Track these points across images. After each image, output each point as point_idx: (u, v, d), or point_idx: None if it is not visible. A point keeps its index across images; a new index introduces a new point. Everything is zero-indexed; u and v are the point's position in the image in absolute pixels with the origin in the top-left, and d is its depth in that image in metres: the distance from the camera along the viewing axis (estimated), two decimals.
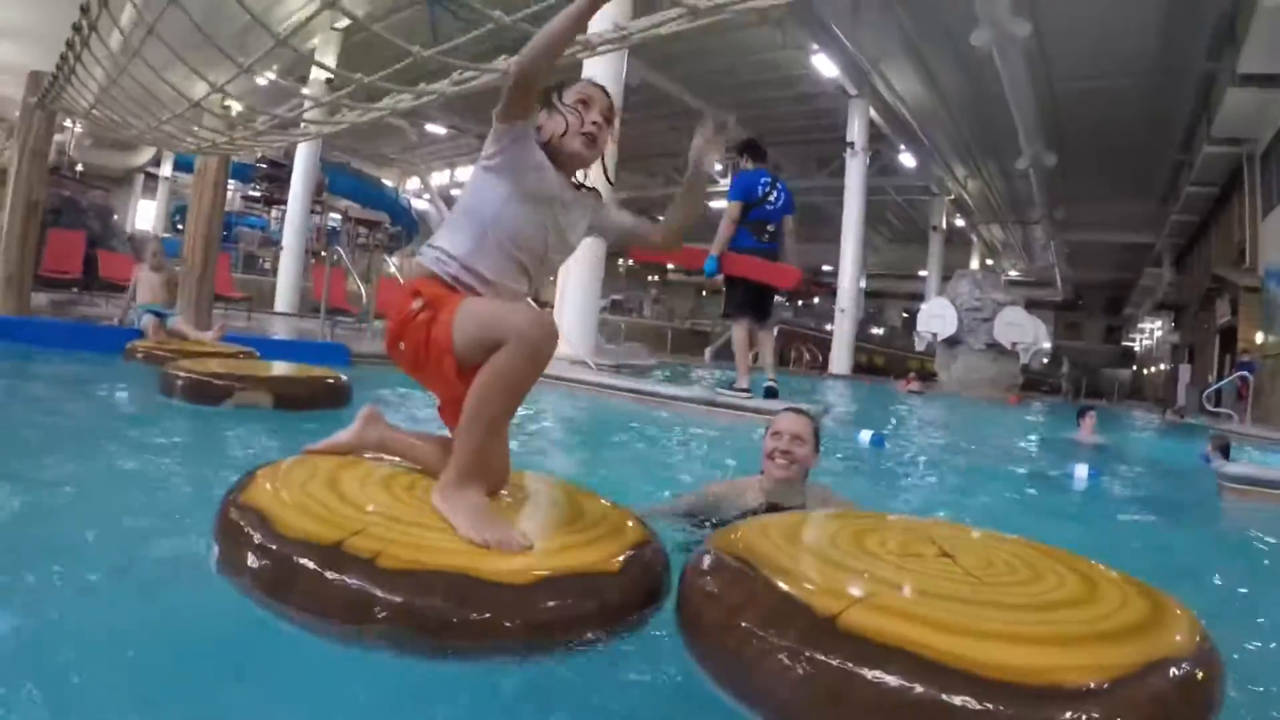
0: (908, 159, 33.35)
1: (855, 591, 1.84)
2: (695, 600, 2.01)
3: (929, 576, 2.03)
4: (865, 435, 7.82)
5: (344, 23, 22.15)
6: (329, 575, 1.88)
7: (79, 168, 35.97)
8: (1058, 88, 24.59)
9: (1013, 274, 48.88)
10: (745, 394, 8.81)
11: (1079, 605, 1.93)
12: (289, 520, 2.06)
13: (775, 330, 10.31)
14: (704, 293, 52.19)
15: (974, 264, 44.60)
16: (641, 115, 33.16)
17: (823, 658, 1.63)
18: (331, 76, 23.34)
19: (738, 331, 9.50)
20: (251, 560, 2.00)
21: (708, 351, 31.88)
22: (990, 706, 1.49)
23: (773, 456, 3.64)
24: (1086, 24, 20.57)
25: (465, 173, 48.40)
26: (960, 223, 41.96)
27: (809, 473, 3.76)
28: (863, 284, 50.33)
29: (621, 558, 2.18)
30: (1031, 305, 47.15)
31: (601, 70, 13.89)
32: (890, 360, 32.90)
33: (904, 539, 2.35)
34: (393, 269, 36.82)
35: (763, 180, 9.19)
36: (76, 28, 6.67)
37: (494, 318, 2.30)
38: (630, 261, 54.96)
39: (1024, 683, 1.54)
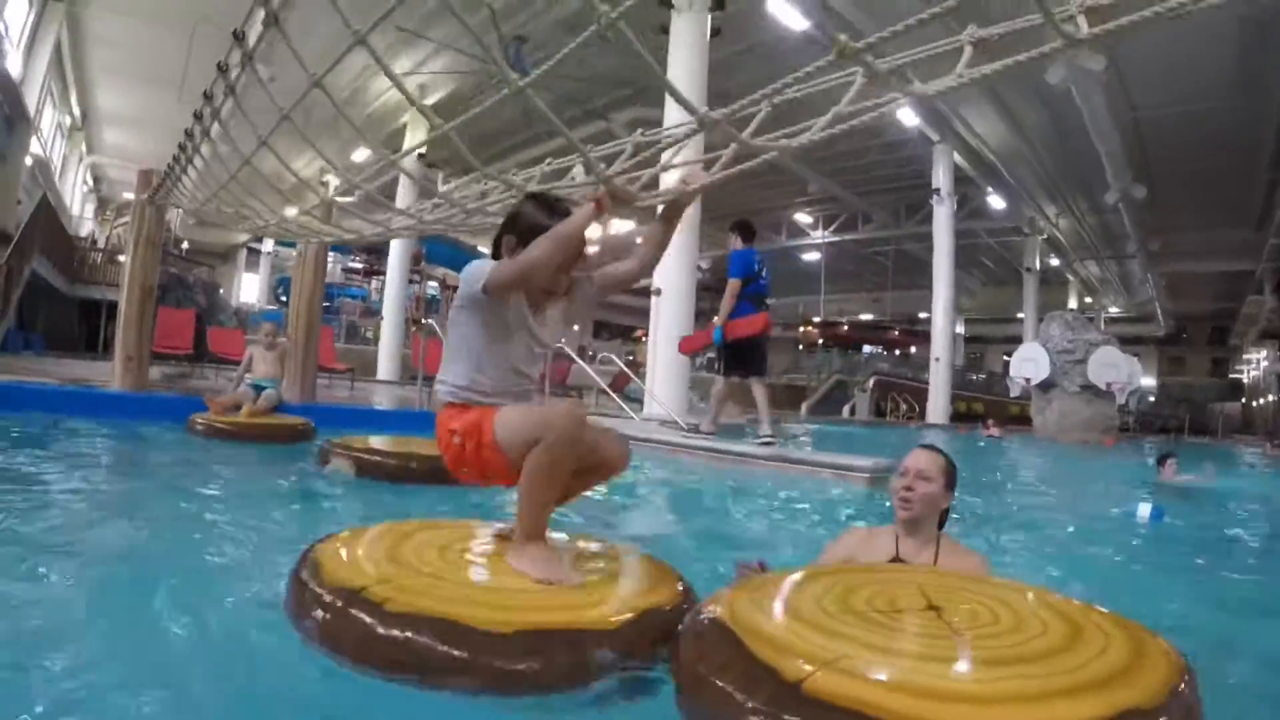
0: (997, 201, 33.15)
1: (824, 655, 1.92)
2: (683, 659, 2.17)
3: (907, 634, 2.14)
4: (1144, 509, 7.53)
5: (435, 99, 22.98)
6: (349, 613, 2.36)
7: (184, 245, 37.70)
8: (1140, 117, 24.35)
9: (1112, 310, 47.85)
10: (771, 439, 9.72)
11: (1056, 655, 1.99)
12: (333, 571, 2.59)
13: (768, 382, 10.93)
14: (800, 346, 51.88)
15: (1072, 303, 43.89)
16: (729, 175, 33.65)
17: None
18: (424, 152, 24.48)
19: (757, 388, 10.61)
20: (298, 602, 2.55)
21: (804, 406, 31.97)
22: None
23: (898, 495, 3.44)
24: (1162, 51, 20.34)
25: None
26: (1055, 261, 41.30)
27: (945, 514, 3.53)
28: (961, 330, 49.85)
29: (623, 617, 2.43)
30: (1133, 341, 46.51)
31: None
32: (989, 407, 32.48)
33: (893, 593, 2.45)
34: None
35: (756, 257, 10.24)
36: (188, 133, 7.23)
37: (528, 422, 2.79)
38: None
39: None
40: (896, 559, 3.36)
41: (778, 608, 2.31)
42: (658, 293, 15.17)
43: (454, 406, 3.02)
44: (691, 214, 15.46)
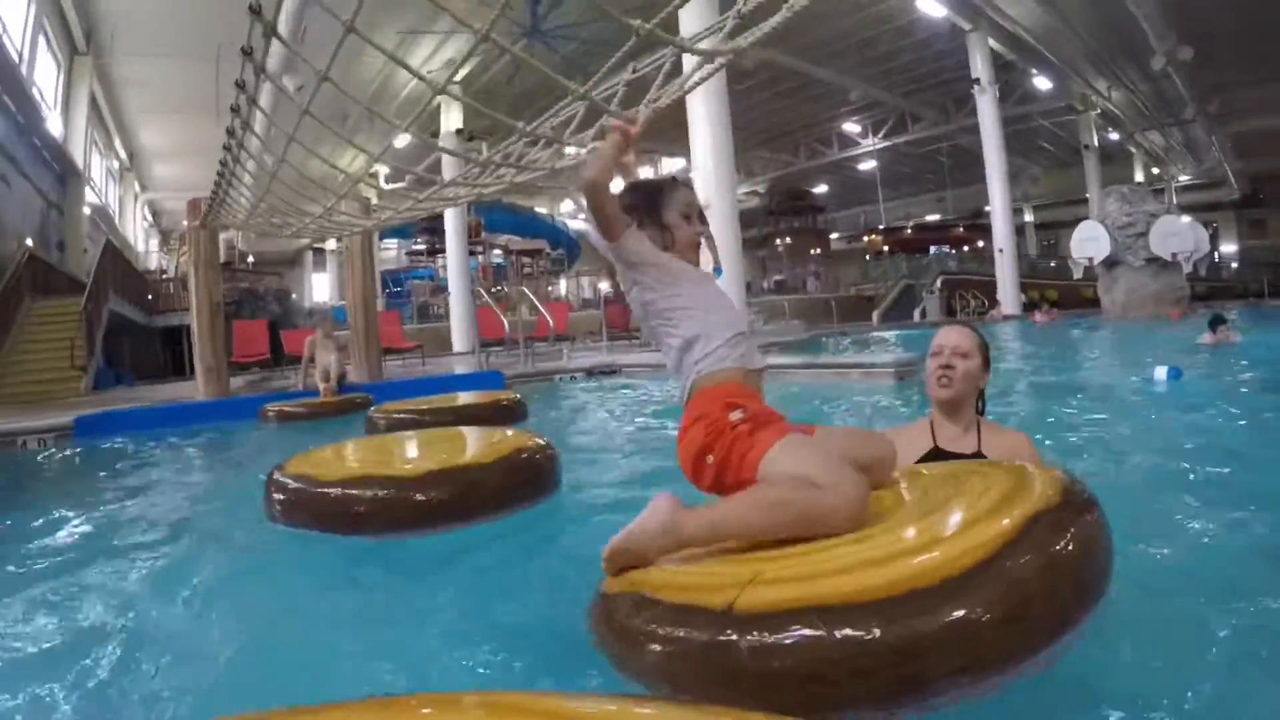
0: (1043, 82, 32.39)
1: (740, 578, 1.92)
2: (611, 631, 2.06)
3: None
4: (1160, 371, 7.77)
5: (461, 75, 23.19)
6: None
7: (250, 259, 38.66)
8: None
9: (1182, 179, 46.50)
10: None
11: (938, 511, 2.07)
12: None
13: None
14: (867, 257, 51.53)
15: (1138, 176, 42.80)
16: (766, 95, 33.40)
17: (733, 639, 1.79)
18: (461, 127, 24.76)
19: None
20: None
21: (875, 314, 31.89)
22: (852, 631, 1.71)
23: (934, 375, 3.24)
24: None
25: (615, 183, 49.47)
26: (1114, 136, 40.15)
27: (984, 399, 3.33)
28: (1030, 217, 49.10)
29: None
30: (1208, 209, 45.36)
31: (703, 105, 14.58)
32: (1064, 293, 32.03)
33: None
34: (562, 290, 38.00)
35: None
36: (226, 151, 7.58)
37: (814, 469, 2.13)
38: (789, 240, 54.76)
39: (865, 600, 1.74)
40: (935, 448, 3.22)
41: (686, 562, 2.16)
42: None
43: (723, 387, 2.46)
44: (724, 134, 15.59)
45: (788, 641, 1.73)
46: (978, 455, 3.10)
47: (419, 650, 2.48)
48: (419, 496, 3.62)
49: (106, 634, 2.86)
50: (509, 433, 4.64)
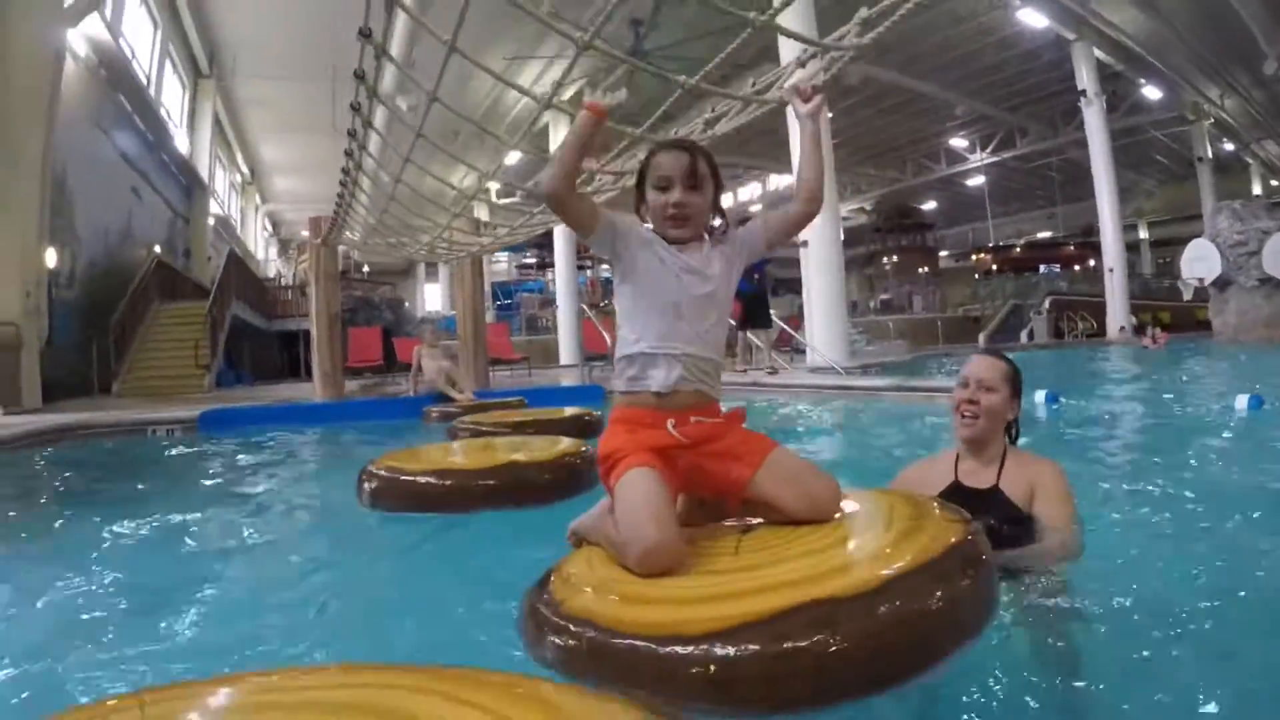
0: (1152, 91, 31.50)
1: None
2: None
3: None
4: (1241, 400, 7.59)
5: (569, 93, 23.76)
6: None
7: (365, 269, 39.98)
8: None
9: None
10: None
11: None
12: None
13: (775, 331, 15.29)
14: (975, 275, 50.81)
15: (1256, 189, 41.41)
16: (871, 111, 33.35)
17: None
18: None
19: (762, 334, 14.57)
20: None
21: (981, 336, 31.56)
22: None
23: (959, 410, 3.14)
24: None
25: (722, 200, 49.61)
26: (1230, 147, 38.70)
27: (1016, 428, 3.21)
28: (1144, 234, 47.86)
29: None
30: None
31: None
32: (1177, 315, 31.16)
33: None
34: None
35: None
36: (345, 174, 8.21)
37: (622, 523, 2.25)
38: (896, 258, 54.35)
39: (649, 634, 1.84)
40: (955, 483, 3.10)
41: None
42: (804, 244, 15.53)
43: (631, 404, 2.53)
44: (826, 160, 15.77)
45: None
46: (994, 489, 3.00)
47: (460, 603, 3.04)
48: (478, 483, 4.47)
49: (223, 582, 3.57)
50: (565, 441, 5.29)
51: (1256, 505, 4.05)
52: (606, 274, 39.86)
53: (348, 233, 11.28)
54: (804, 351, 16.13)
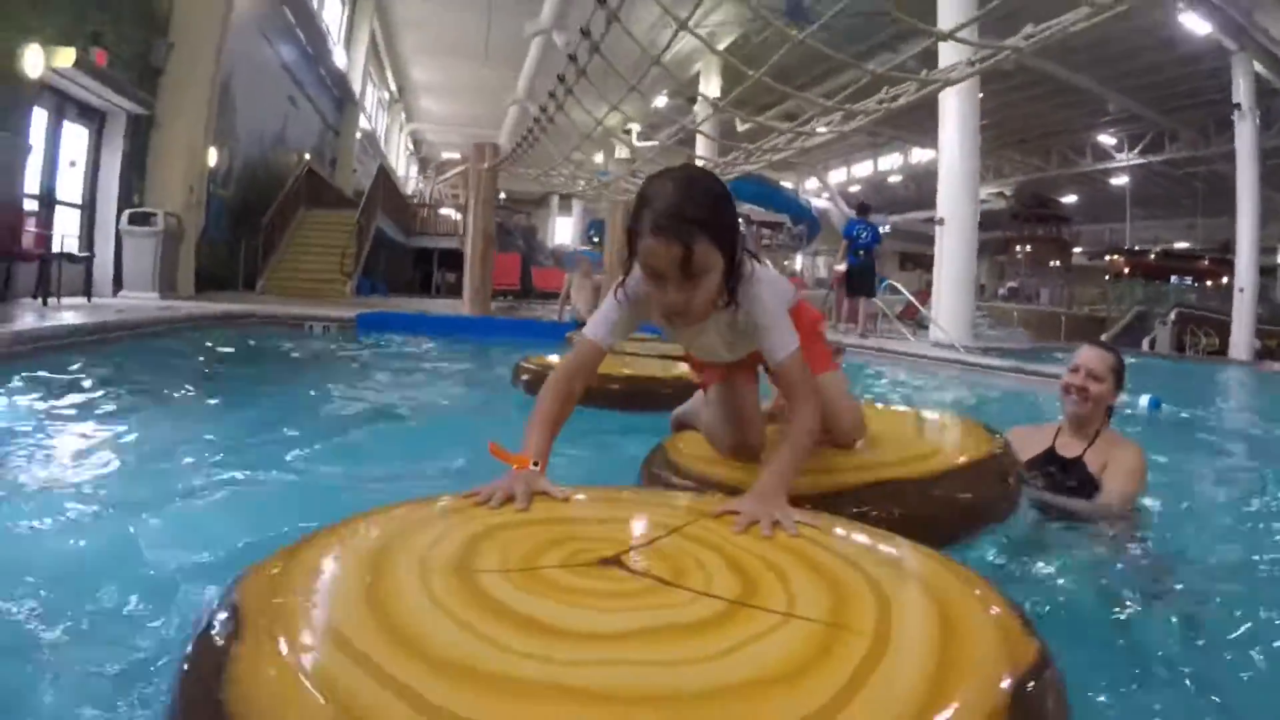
0: None
1: None
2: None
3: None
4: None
5: (725, 43, 23.84)
6: None
7: (503, 196, 40.72)
8: None
9: None
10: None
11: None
12: None
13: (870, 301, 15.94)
14: (1107, 277, 49.65)
15: None
16: (1022, 97, 32.75)
17: None
18: (716, 97, 25.46)
19: (865, 304, 15.68)
20: None
21: (1104, 337, 31.01)
22: None
23: (1068, 391, 3.55)
24: None
25: (862, 168, 49.12)
26: None
27: (1111, 410, 3.62)
28: None
29: None
30: None
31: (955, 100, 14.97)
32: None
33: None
34: (798, 266, 38.38)
35: (857, 227, 15.82)
36: (543, 111, 8.60)
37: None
38: (1029, 248, 53.52)
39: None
40: (1050, 450, 3.57)
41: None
42: (940, 222, 15.55)
43: None
44: (972, 134, 15.75)
45: None
46: (1078, 459, 3.47)
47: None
48: (611, 387, 5.16)
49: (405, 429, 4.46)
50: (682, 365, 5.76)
51: None
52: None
53: (525, 162, 11.84)
54: (928, 326, 16.20)
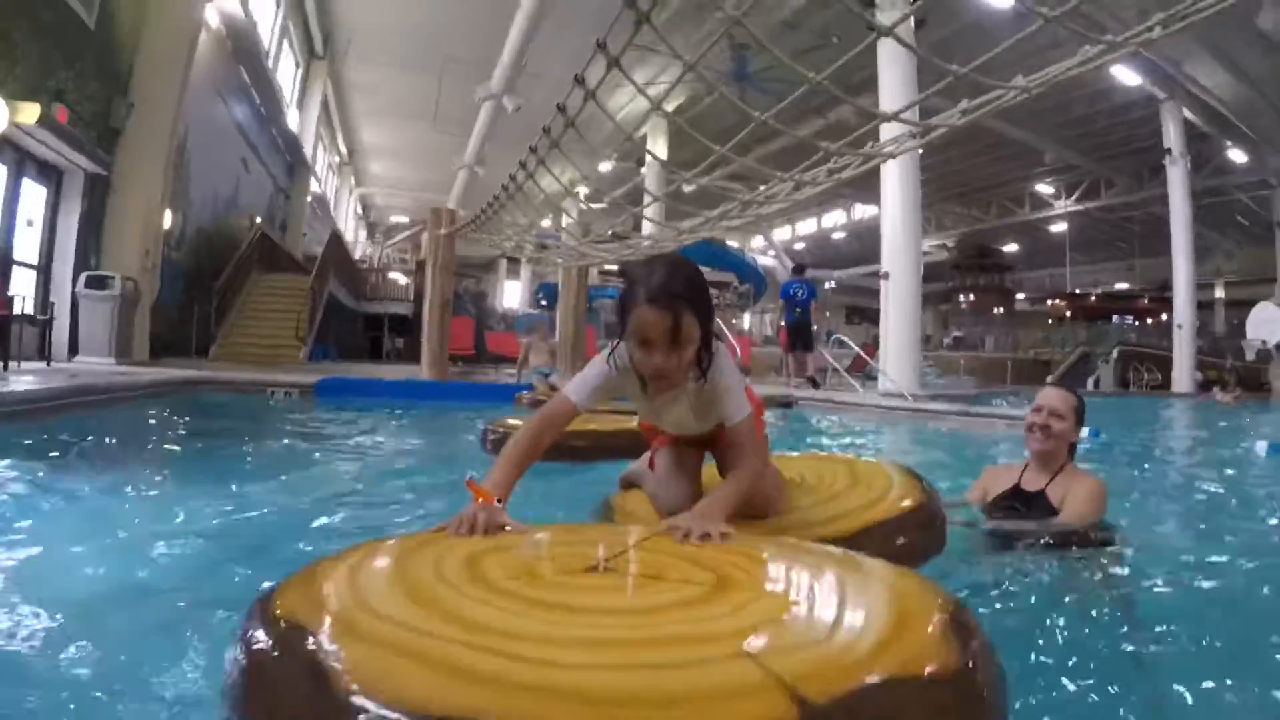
0: (1238, 154, 31.34)
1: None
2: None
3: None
4: (1261, 446, 8.08)
5: (673, 105, 24.31)
6: None
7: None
8: None
9: None
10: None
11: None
12: None
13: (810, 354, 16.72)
14: (1050, 320, 50.69)
15: None
16: (962, 151, 33.62)
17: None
18: (664, 159, 25.88)
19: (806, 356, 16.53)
20: None
21: (1049, 379, 31.61)
22: None
23: (1031, 429, 3.78)
24: None
25: (806, 226, 49.79)
26: None
27: (1074, 447, 3.85)
28: (1220, 294, 47.43)
29: None
30: None
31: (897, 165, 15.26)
32: (1242, 375, 31.11)
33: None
34: (746, 325, 38.81)
35: (794, 285, 16.79)
36: (511, 179, 8.84)
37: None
38: (973, 296, 54.56)
39: None
40: (1016, 486, 3.82)
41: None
42: (884, 276, 15.98)
43: None
44: (913, 190, 16.22)
45: None
46: (1040, 492, 3.72)
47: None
48: (576, 443, 5.37)
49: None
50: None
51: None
52: None
53: (486, 229, 12.15)
54: (876, 378, 16.59)
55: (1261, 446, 7.91)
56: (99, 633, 2.16)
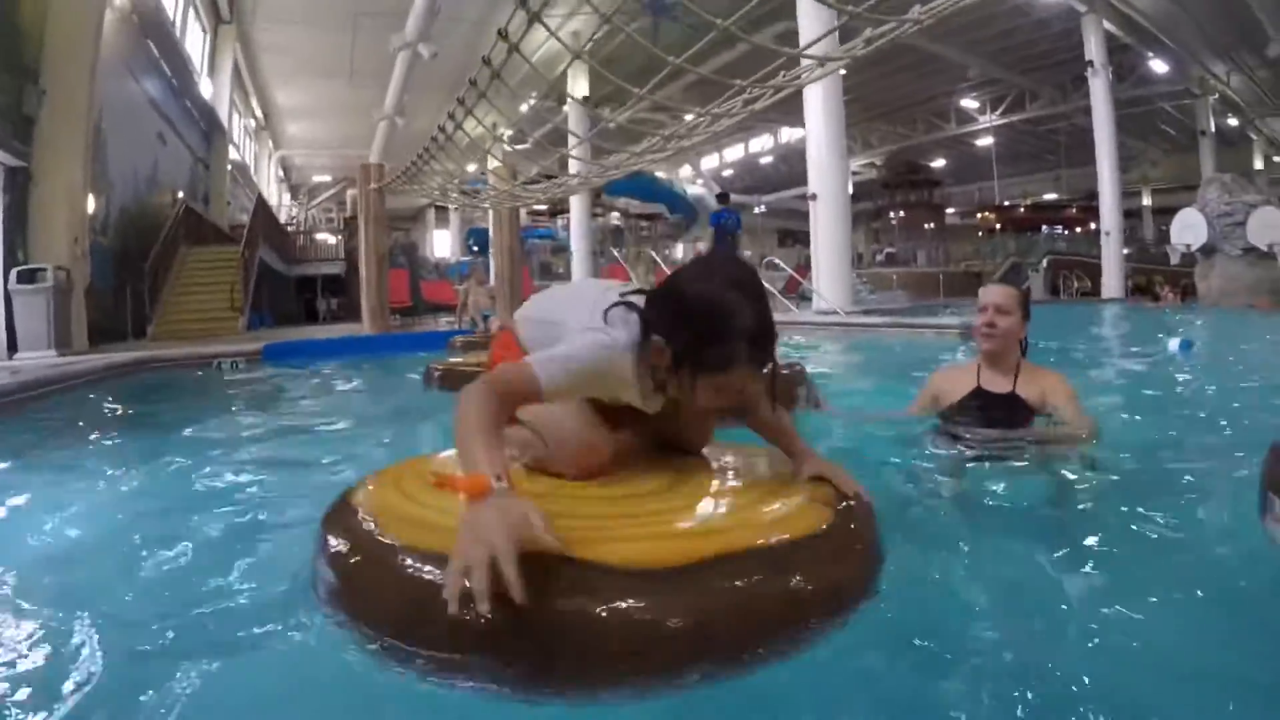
0: (1159, 65, 31.99)
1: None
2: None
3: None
4: (1173, 343, 8.60)
5: (589, 43, 24.17)
6: None
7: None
8: None
9: None
10: None
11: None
12: None
13: None
14: (980, 234, 51.33)
15: (1258, 164, 41.65)
16: (886, 69, 33.69)
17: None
18: (587, 96, 25.76)
19: None
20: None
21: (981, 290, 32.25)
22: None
23: (979, 331, 3.74)
24: None
25: (733, 152, 49.85)
26: (1234, 122, 39.13)
27: (1025, 344, 3.79)
28: (1147, 201, 48.32)
29: None
30: None
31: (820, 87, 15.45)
32: (1170, 278, 31.89)
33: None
34: (679, 255, 39.03)
35: (723, 214, 16.62)
36: (440, 130, 8.86)
37: (545, 425, 2.31)
38: (903, 213, 55.05)
39: None
40: (978, 388, 3.76)
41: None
42: (813, 198, 16.22)
43: None
44: (837, 119, 16.40)
45: None
46: (1011, 394, 3.67)
47: None
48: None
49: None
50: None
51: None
52: (616, 222, 40.29)
53: (416, 182, 12.10)
54: (810, 297, 16.91)
55: (1174, 344, 8.38)
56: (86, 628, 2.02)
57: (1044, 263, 34.10)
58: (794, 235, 49.95)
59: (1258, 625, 2.00)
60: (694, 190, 43.00)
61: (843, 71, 16.32)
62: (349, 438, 5.09)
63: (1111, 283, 26.76)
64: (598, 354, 2.07)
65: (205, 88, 25.66)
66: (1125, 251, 28.86)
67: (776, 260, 21.46)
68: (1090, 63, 26.55)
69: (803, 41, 12.10)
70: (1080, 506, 2.95)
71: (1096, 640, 1.89)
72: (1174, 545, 2.54)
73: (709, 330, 1.96)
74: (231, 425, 5.68)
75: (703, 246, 42.10)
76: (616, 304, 2.14)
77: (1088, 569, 2.36)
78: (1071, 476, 3.21)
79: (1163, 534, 2.59)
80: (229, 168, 29.65)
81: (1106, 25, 26.90)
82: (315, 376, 9.10)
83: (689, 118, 6.71)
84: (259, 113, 36.33)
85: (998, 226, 50.88)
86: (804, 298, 18.02)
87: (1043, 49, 32.21)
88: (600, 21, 5.37)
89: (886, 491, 2.94)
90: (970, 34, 30.05)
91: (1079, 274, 31.94)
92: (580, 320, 2.18)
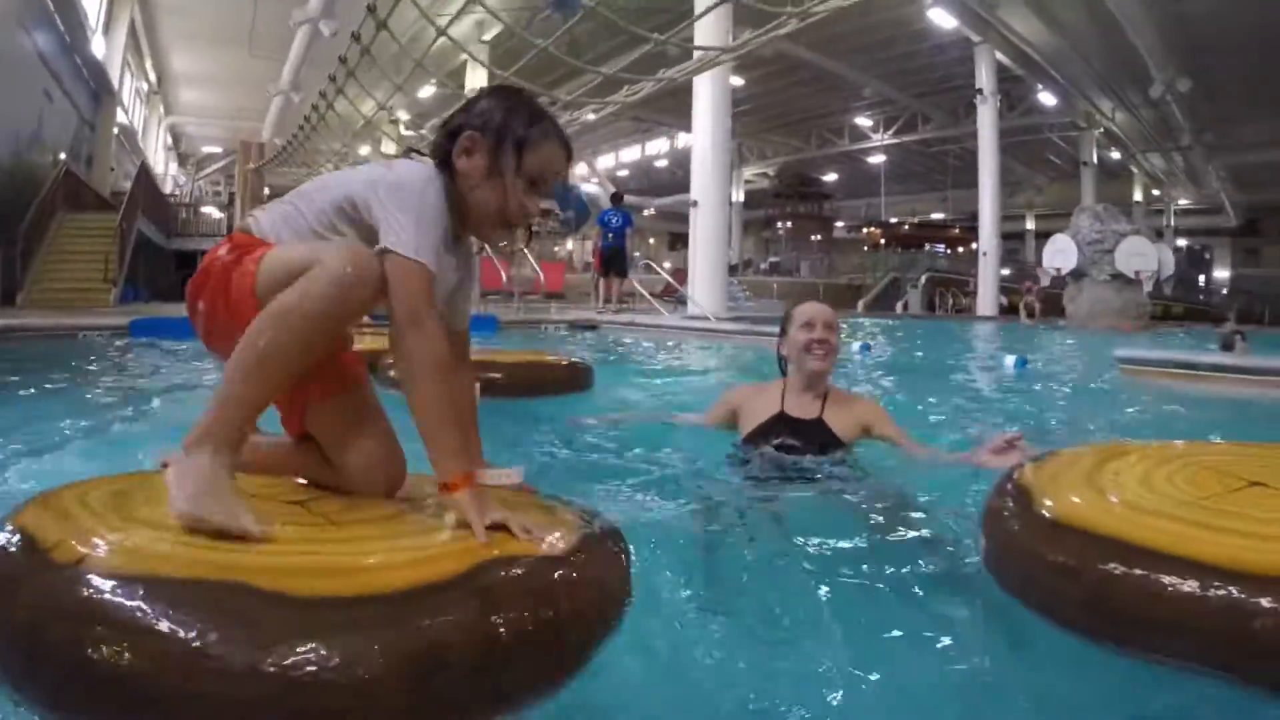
0: (1048, 97, 33.44)
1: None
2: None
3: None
4: (1009, 360, 9.11)
5: (491, 34, 24.15)
6: None
7: (266, 190, 39.73)
8: (1185, 10, 24.41)
9: (1182, 202, 47.48)
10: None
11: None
12: None
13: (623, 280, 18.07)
14: (866, 248, 52.41)
15: (1137, 195, 43.55)
16: (783, 83, 34.28)
17: None
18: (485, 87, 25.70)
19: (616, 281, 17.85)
20: None
21: (860, 304, 33.03)
22: None
23: (809, 349, 3.37)
24: None
25: (630, 154, 50.07)
26: (1116, 155, 41.06)
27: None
28: (1031, 225, 50.03)
29: None
30: (1205, 234, 47.57)
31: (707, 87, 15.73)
32: (1049, 300, 33.05)
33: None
34: (569, 248, 39.24)
35: (609, 214, 17.77)
36: (314, 109, 8.87)
37: (304, 255, 1.72)
38: (790, 224, 55.90)
39: None
40: (781, 413, 3.42)
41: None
42: (695, 205, 16.52)
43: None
44: (723, 130, 16.69)
45: None
46: (818, 420, 3.37)
47: None
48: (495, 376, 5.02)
49: None
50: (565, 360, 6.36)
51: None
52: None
53: (294, 160, 11.97)
54: (686, 301, 17.26)
55: (1009, 361, 8.90)
56: None
57: (923, 279, 35.18)
58: (684, 239, 50.31)
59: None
60: (589, 189, 43.02)
61: (739, 81, 16.61)
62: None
63: (986, 300, 27.82)
64: (430, 199, 1.80)
65: (98, 46, 24.75)
66: (1005, 272, 30.00)
67: (650, 262, 21.92)
68: (979, 90, 27.62)
69: (696, 37, 12.38)
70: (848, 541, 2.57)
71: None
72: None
73: (520, 106, 1.92)
74: (79, 401, 5.55)
75: (590, 244, 42.49)
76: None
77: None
78: (861, 505, 2.87)
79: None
80: (115, 131, 28.69)
81: (999, 56, 28.04)
82: (182, 353, 8.95)
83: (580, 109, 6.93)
84: (152, 76, 35.16)
85: (883, 242, 52.20)
86: (681, 302, 18.39)
87: (940, 74, 33.18)
88: (487, 14, 5.45)
89: (676, 508, 2.83)
90: (869, 55, 30.89)
91: (955, 291, 33.04)
92: (370, 173, 1.89)
